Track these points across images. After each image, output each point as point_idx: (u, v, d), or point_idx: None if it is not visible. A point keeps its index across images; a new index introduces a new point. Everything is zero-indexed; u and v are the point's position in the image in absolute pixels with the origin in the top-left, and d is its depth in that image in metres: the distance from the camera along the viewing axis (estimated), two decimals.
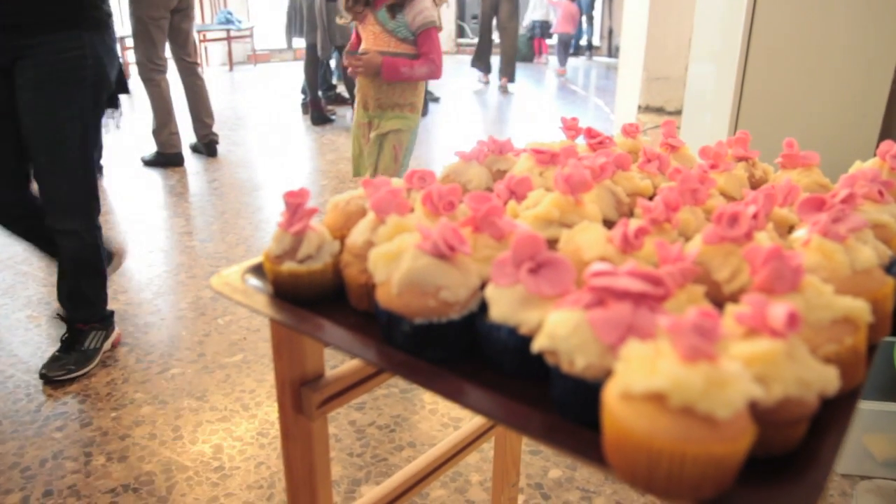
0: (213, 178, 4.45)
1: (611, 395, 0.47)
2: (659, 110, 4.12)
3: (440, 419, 2.03)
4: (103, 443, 1.92)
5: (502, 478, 1.50)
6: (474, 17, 10.59)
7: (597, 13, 11.80)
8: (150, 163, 4.59)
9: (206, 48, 9.10)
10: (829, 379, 0.51)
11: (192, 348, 2.40)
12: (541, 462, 1.85)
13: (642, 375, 0.45)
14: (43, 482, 1.76)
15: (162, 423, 2.00)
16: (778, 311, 0.50)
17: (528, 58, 10.10)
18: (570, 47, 9.16)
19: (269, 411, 2.06)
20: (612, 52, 11.16)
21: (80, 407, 2.07)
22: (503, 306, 0.61)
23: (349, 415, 2.04)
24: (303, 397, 0.85)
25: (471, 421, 1.32)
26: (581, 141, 1.15)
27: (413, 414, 2.05)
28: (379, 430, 1.99)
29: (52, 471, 1.80)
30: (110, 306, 2.38)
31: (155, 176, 4.45)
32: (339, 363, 1.21)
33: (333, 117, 6.20)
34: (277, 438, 1.91)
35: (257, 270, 0.82)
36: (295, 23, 5.73)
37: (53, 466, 1.82)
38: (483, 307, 0.65)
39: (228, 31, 8.87)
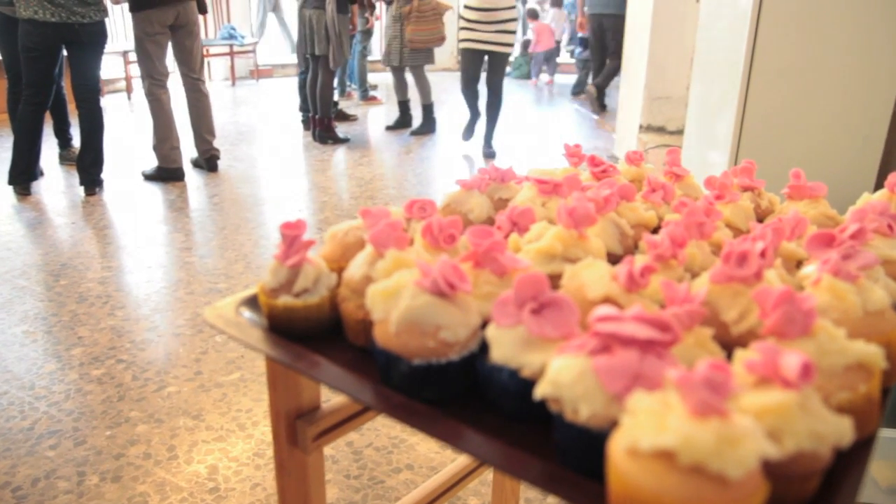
0: (213, 193, 4.43)
1: (617, 450, 0.45)
2: (660, 130, 4.11)
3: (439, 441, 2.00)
4: (97, 462, 1.89)
5: (502, 502, 1.47)
6: None
7: None
8: (150, 177, 4.57)
9: (208, 63, 9.10)
10: (843, 431, 0.49)
11: (189, 366, 2.38)
12: None
13: (650, 431, 0.43)
14: (34, 503, 1.73)
15: (157, 443, 1.97)
16: (791, 361, 0.48)
17: (528, 75, 10.35)
18: (552, 61, 10.08)
19: (265, 431, 2.03)
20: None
21: (75, 425, 2.04)
22: (504, 348, 0.59)
23: (346, 436, 2.01)
24: (298, 430, 0.83)
25: None
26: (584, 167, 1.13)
27: (411, 435, 2.03)
28: (376, 451, 1.96)
29: (44, 491, 1.77)
30: (107, 323, 2.36)
31: (155, 190, 4.43)
32: None
33: (345, 136, 5.87)
34: None
35: (252, 303, 0.80)
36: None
37: (45, 486, 1.79)
38: (484, 347, 0.63)
39: (231, 46, 8.88)
